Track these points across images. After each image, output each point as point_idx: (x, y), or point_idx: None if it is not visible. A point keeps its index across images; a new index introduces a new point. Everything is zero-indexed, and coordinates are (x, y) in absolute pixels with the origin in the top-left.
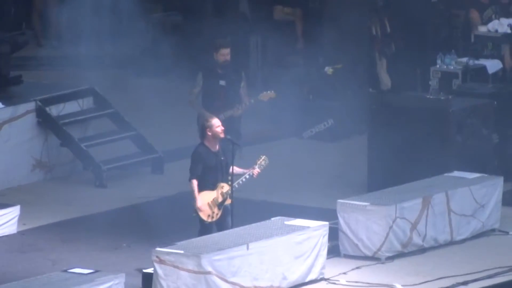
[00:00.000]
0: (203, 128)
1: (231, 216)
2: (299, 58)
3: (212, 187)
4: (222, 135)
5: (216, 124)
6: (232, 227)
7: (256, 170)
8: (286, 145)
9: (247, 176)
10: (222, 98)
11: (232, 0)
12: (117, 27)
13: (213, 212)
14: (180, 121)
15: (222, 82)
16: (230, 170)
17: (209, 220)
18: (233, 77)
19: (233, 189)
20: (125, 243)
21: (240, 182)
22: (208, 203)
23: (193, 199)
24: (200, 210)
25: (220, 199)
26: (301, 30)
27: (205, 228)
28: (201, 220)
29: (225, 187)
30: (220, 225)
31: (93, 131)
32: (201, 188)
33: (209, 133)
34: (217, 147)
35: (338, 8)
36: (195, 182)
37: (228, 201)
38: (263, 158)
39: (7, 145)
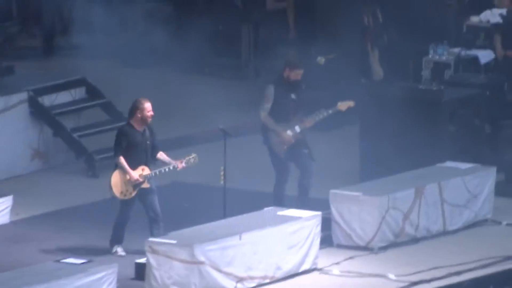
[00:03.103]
0: (134, 108)
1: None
2: (291, 48)
3: (134, 165)
4: (149, 120)
5: (148, 108)
6: (224, 215)
7: (182, 165)
8: None
9: (171, 167)
10: (294, 112)
11: None
12: (109, 17)
13: (126, 190)
14: (171, 110)
15: (293, 96)
16: (161, 157)
17: (121, 197)
18: (300, 91)
19: (151, 176)
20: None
21: (162, 170)
22: (124, 181)
23: (127, 172)
24: (138, 180)
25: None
26: (293, 20)
27: (123, 204)
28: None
29: (146, 171)
30: (146, 205)
31: (85, 121)
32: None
33: (139, 115)
34: (143, 128)
35: None
36: (122, 158)
37: (146, 185)
38: (193, 156)
39: (3, 135)
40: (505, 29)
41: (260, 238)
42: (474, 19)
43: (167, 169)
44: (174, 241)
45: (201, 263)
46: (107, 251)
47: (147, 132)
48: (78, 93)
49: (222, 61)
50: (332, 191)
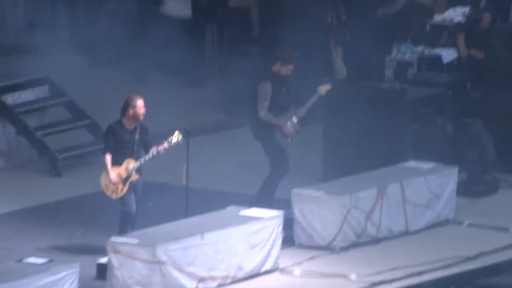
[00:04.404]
0: (126, 105)
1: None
2: (255, 46)
3: (121, 163)
4: (141, 117)
5: (140, 105)
6: (186, 215)
7: (163, 146)
8: (240, 135)
9: (154, 152)
10: (288, 105)
11: None
12: (72, 15)
13: (117, 188)
14: None
15: (284, 90)
16: (152, 149)
17: (113, 196)
18: (289, 84)
19: (136, 167)
20: (80, 232)
21: (146, 158)
22: (111, 180)
23: (106, 172)
24: (114, 183)
25: (124, 175)
26: (257, 17)
27: (120, 201)
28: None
29: (131, 163)
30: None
31: (48, 120)
32: (112, 163)
33: (131, 112)
34: (134, 126)
35: None
36: (108, 157)
37: (135, 177)
38: (175, 135)
39: None
40: (469, 28)
41: (222, 237)
42: (438, 17)
43: (151, 155)
44: (136, 241)
45: (163, 263)
46: (69, 250)
47: (138, 130)
48: (42, 91)
49: (186, 60)
50: (294, 190)
